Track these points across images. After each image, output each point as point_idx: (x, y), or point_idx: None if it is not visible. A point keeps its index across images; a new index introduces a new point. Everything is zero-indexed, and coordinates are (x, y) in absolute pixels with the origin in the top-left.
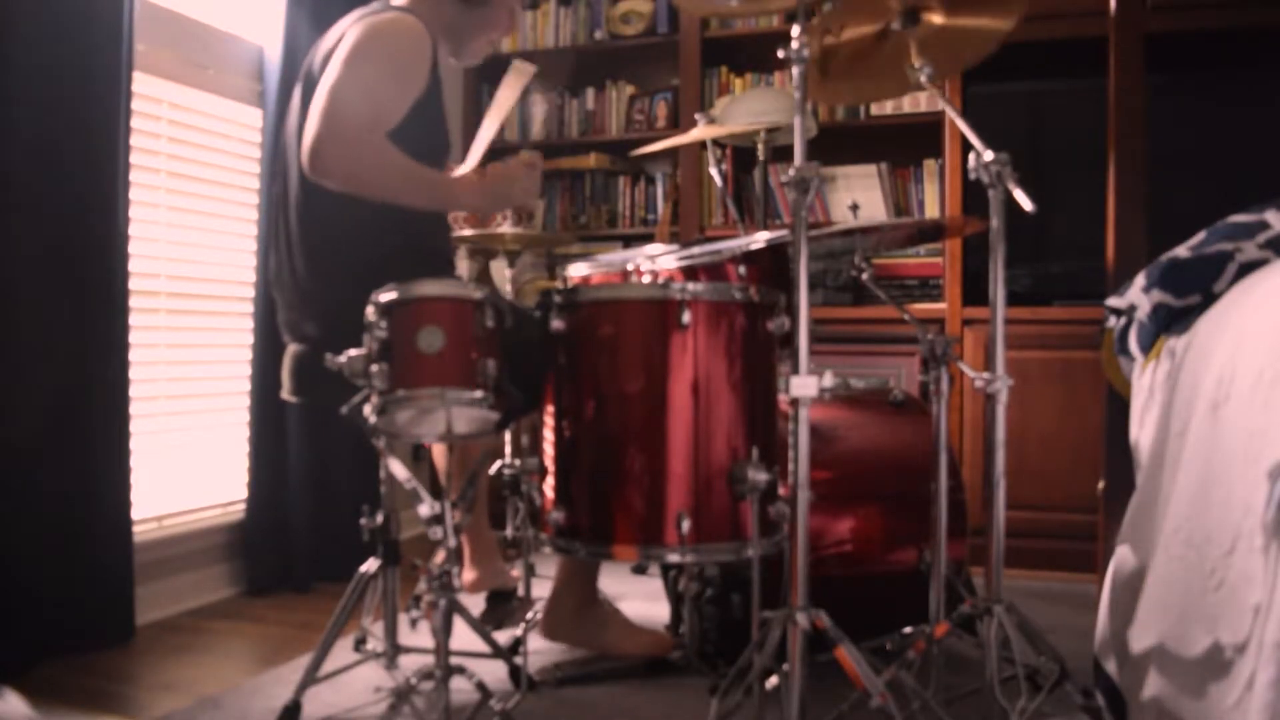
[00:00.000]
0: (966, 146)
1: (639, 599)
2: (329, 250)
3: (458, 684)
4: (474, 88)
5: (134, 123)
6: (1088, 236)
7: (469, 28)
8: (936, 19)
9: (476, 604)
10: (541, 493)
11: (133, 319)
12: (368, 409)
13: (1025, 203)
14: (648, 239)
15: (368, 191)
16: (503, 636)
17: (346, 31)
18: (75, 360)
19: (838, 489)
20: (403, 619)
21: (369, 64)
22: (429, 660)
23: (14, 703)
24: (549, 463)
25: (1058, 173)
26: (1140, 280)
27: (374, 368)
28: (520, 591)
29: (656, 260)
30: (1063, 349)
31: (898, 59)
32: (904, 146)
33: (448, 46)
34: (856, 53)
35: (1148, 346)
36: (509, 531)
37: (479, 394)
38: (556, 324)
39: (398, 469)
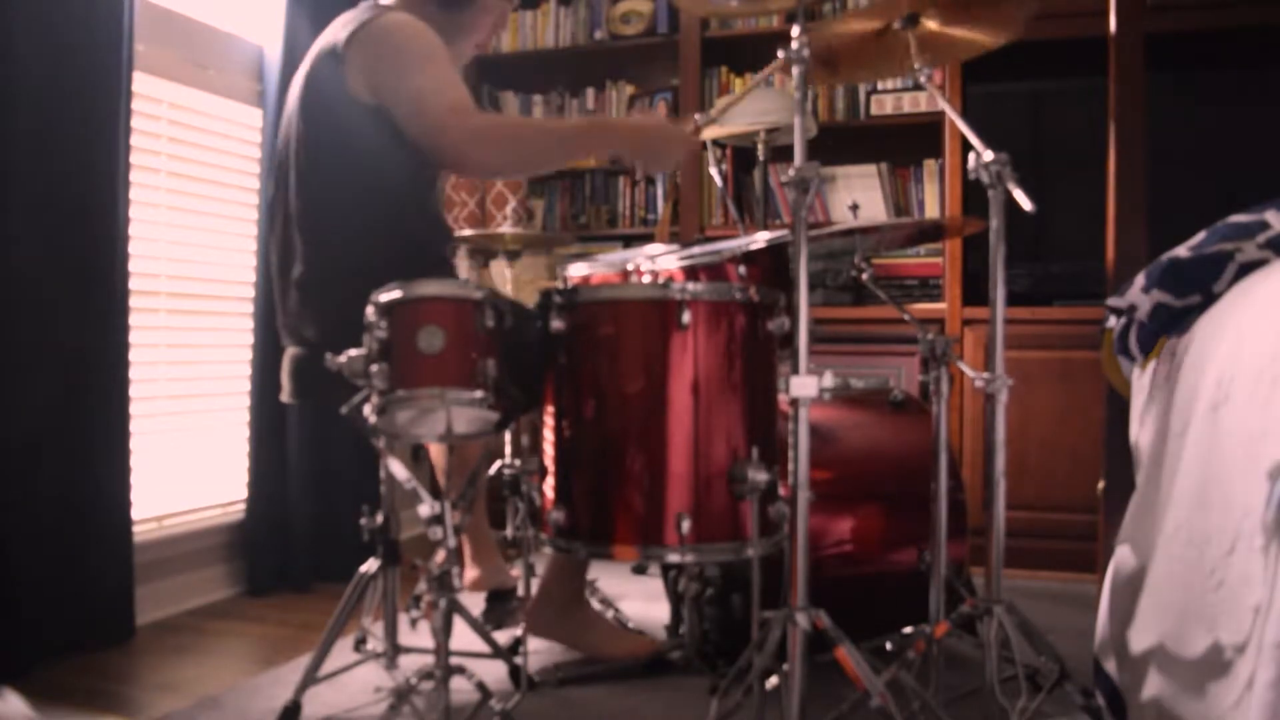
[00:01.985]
0: (966, 146)
1: (639, 599)
2: (328, 251)
3: (458, 684)
4: (473, 88)
5: (134, 123)
6: (1088, 236)
7: (448, 31)
8: (934, 26)
9: (476, 603)
10: (541, 493)
11: (133, 319)
12: (368, 409)
13: (1025, 203)
14: (648, 239)
15: (515, 163)
16: (503, 636)
17: (352, 38)
18: (75, 360)
19: (838, 489)
20: (403, 619)
21: (424, 57)
22: (429, 660)
23: (14, 703)
24: (549, 463)
25: (1058, 173)
26: (1140, 280)
27: (374, 368)
28: (520, 591)
29: (656, 260)
30: (1063, 349)
31: (898, 52)
32: (904, 146)
33: None
34: (858, 46)
35: (1148, 347)
36: (509, 531)
37: (479, 394)
38: (556, 324)
39: (398, 469)
